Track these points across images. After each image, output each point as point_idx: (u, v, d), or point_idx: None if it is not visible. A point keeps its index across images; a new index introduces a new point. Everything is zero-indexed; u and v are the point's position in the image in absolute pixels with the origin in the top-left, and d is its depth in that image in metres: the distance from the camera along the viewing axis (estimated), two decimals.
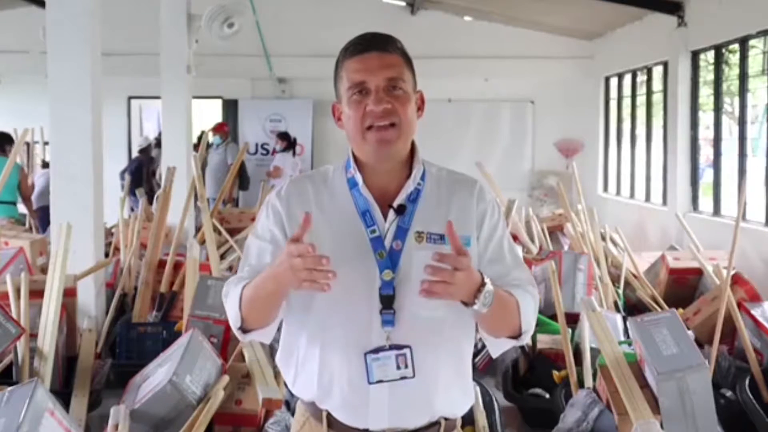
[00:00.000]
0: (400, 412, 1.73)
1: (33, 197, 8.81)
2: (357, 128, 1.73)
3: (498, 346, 1.82)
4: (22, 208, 8.54)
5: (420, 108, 1.81)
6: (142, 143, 11.02)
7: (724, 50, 8.19)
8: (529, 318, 1.75)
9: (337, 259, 1.71)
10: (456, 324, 1.77)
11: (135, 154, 12.06)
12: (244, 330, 1.74)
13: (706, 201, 8.58)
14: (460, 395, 1.82)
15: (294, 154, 11.04)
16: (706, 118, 8.91)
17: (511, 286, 1.75)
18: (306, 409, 1.82)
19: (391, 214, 1.76)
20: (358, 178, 1.77)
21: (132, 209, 8.86)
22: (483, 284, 1.60)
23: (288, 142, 10.96)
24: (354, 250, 1.73)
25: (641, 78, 10.44)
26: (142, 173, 10.28)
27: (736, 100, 8.09)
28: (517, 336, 1.76)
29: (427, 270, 1.54)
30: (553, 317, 4.64)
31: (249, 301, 1.70)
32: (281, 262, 1.57)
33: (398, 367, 1.70)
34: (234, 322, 1.74)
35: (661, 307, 5.44)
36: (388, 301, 1.71)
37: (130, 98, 12.42)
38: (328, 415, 1.76)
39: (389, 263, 1.72)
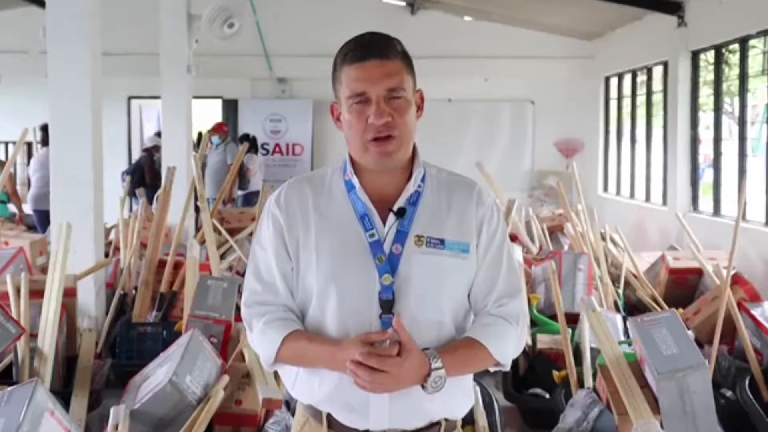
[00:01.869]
0: (400, 413, 1.73)
1: (29, 198, 8.83)
2: (358, 139, 1.73)
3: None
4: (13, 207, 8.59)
5: (420, 107, 1.80)
6: (147, 143, 10.99)
7: (724, 50, 8.19)
8: (505, 352, 1.77)
9: (336, 264, 1.73)
10: (456, 326, 1.78)
11: (139, 153, 12.04)
12: (276, 363, 1.79)
13: (706, 201, 8.58)
14: (460, 396, 1.82)
15: (256, 152, 10.97)
16: (706, 118, 8.91)
17: (487, 316, 1.77)
18: (306, 410, 1.82)
19: (391, 217, 1.75)
20: (355, 181, 1.77)
21: (131, 209, 8.85)
22: (431, 371, 1.64)
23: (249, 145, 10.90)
24: (353, 255, 1.73)
25: (641, 78, 10.44)
26: (143, 172, 10.25)
27: (736, 100, 8.09)
28: (495, 365, 1.79)
29: (350, 366, 1.60)
30: (553, 317, 4.64)
31: (292, 358, 1.75)
32: (344, 361, 1.62)
33: None
34: (265, 361, 1.78)
35: (661, 307, 5.44)
36: (387, 306, 1.71)
37: (130, 98, 12.42)
38: (329, 416, 1.76)
39: (388, 267, 1.72)
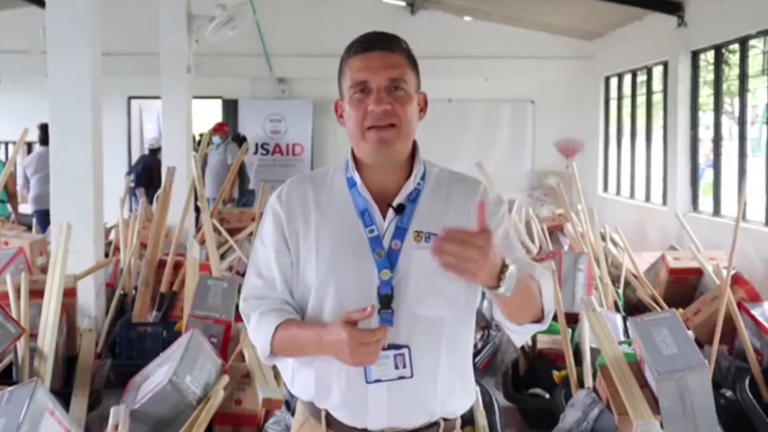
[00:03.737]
0: (398, 411, 1.73)
1: (30, 199, 8.82)
2: (357, 128, 1.73)
3: (521, 334, 1.78)
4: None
5: (422, 109, 1.81)
6: (154, 144, 11.01)
7: (724, 50, 8.19)
8: (550, 300, 1.73)
9: (335, 259, 1.73)
10: (455, 323, 1.77)
11: (139, 153, 12.05)
12: (273, 355, 1.77)
13: (706, 201, 8.58)
14: (459, 394, 1.81)
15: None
16: (706, 118, 8.91)
17: (527, 266, 1.73)
18: (305, 409, 1.82)
19: (390, 213, 1.76)
20: (357, 177, 1.77)
21: (131, 209, 8.85)
22: (505, 267, 1.54)
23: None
24: (352, 250, 1.74)
25: (641, 78, 10.44)
26: (151, 174, 10.26)
27: (736, 100, 8.09)
28: (539, 320, 1.72)
29: (432, 245, 1.47)
30: (553, 317, 4.64)
31: (285, 347, 1.74)
32: (338, 341, 1.59)
33: (396, 367, 1.70)
34: (262, 352, 1.77)
35: (661, 307, 5.44)
36: (386, 301, 1.71)
37: (130, 98, 12.43)
38: (327, 414, 1.76)
39: (387, 263, 1.72)
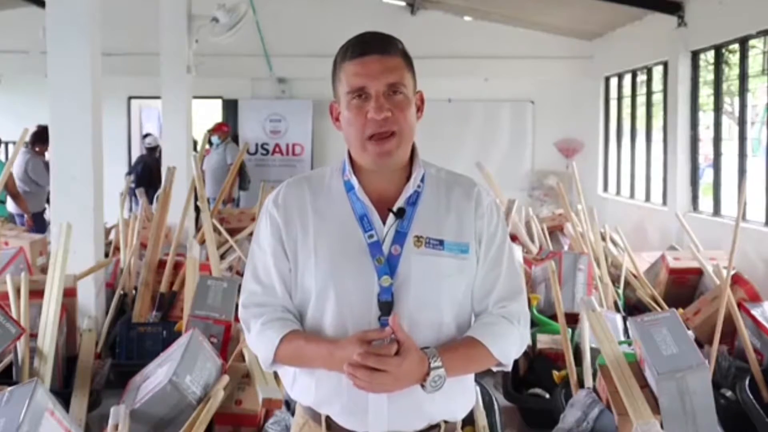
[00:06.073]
0: (399, 415, 1.71)
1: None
2: (357, 136, 1.70)
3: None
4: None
5: (420, 108, 1.78)
6: (151, 143, 11.01)
7: (724, 50, 8.19)
8: (506, 351, 1.75)
9: (334, 266, 1.71)
10: (456, 327, 1.76)
11: (138, 153, 12.06)
12: (275, 364, 1.77)
13: (706, 201, 8.57)
14: (460, 398, 1.80)
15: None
16: (706, 118, 8.91)
17: (488, 315, 1.76)
18: (305, 412, 1.81)
19: (390, 218, 1.73)
20: (354, 181, 1.75)
21: (131, 209, 8.84)
22: (430, 371, 1.62)
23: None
24: (352, 256, 1.71)
25: (641, 78, 10.44)
26: (151, 174, 10.26)
27: (736, 100, 8.09)
28: (497, 365, 1.77)
29: (348, 369, 1.57)
30: (553, 317, 4.64)
31: (290, 359, 1.73)
32: (341, 360, 1.60)
33: None
34: (264, 361, 1.77)
35: (661, 307, 5.44)
36: (387, 308, 1.69)
37: (130, 98, 12.42)
38: (327, 418, 1.75)
39: (387, 269, 1.70)
